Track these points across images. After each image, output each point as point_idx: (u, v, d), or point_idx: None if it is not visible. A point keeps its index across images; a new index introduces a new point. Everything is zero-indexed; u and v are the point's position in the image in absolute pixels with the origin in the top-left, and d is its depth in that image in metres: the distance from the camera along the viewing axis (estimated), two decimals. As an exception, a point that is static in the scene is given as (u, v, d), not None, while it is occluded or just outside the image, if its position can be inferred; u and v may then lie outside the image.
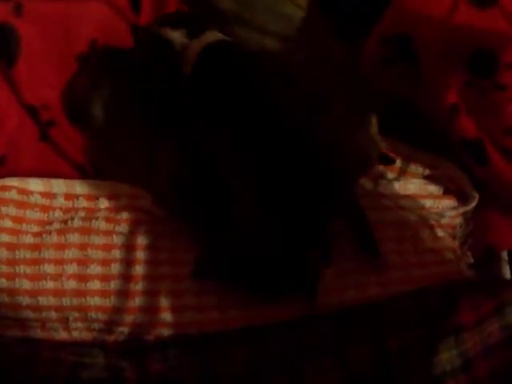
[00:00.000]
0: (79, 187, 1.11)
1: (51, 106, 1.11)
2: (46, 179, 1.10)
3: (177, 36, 1.09)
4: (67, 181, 1.11)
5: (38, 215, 1.08)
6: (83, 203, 1.10)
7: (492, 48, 0.97)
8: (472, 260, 1.10)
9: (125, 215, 1.09)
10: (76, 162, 1.14)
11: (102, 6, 1.12)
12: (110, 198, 1.11)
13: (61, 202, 1.10)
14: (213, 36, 1.09)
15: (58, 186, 1.11)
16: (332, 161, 1.03)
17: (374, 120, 1.07)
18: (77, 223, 1.07)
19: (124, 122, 1.10)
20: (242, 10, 1.10)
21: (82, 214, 1.09)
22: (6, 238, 1.05)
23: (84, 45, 1.11)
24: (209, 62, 1.07)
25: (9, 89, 1.10)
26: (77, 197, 1.11)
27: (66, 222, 1.08)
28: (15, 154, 1.11)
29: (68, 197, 1.10)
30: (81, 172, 1.14)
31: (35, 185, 1.09)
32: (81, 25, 1.11)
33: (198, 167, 1.02)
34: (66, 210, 1.10)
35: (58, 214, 1.09)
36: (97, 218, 1.08)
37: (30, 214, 1.08)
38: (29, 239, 1.06)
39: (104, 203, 1.10)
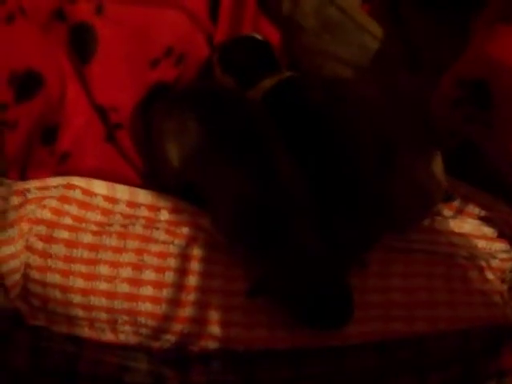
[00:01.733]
0: (143, 196, 1.12)
1: (121, 109, 1.12)
2: (110, 183, 1.11)
3: None
4: (131, 188, 1.12)
5: (98, 217, 1.09)
6: (144, 212, 1.11)
7: None
8: (518, 305, 1.11)
9: (184, 230, 1.10)
10: (139, 166, 1.15)
11: (180, 14, 1.13)
12: (171, 211, 1.11)
13: (122, 208, 1.11)
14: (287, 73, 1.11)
15: (122, 191, 1.12)
16: (394, 199, 1.04)
17: (439, 158, 1.08)
18: (137, 229, 1.08)
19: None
20: (323, 31, 1.11)
21: (143, 221, 1.09)
22: (65, 234, 1.06)
23: (160, 51, 1.12)
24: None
25: (80, 86, 1.11)
26: (139, 205, 1.11)
27: (126, 226, 1.08)
28: (80, 152, 1.12)
29: (130, 204, 1.11)
30: (142, 177, 1.15)
31: (100, 187, 1.11)
32: (158, 30, 1.12)
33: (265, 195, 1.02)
34: (127, 217, 1.10)
35: (118, 218, 1.10)
36: (157, 229, 1.09)
37: (90, 215, 1.09)
38: (87, 238, 1.06)
39: (165, 215, 1.11)
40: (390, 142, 1.06)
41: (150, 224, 1.10)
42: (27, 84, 1.04)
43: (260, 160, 1.01)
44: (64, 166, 1.11)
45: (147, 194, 1.12)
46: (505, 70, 0.99)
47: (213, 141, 1.03)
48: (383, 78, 1.11)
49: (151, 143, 1.11)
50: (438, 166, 1.08)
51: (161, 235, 1.08)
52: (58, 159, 1.11)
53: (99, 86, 1.10)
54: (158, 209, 1.11)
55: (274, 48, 1.15)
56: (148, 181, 1.15)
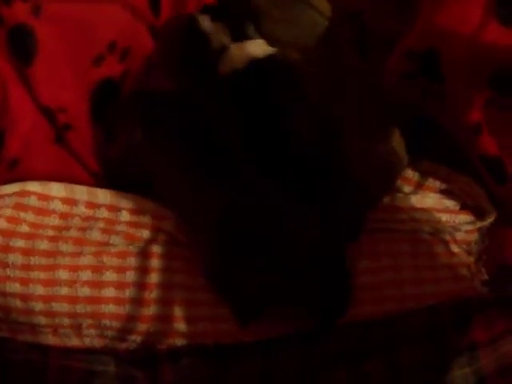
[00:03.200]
0: (102, 196, 1.10)
1: (68, 109, 1.10)
2: (68, 185, 1.09)
3: (215, 30, 1.07)
4: (90, 188, 1.10)
5: (56, 222, 1.07)
6: (104, 213, 1.09)
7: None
8: (486, 277, 1.10)
9: (145, 234, 1.08)
10: (91, 168, 1.13)
11: (120, 8, 1.10)
12: (132, 212, 1.09)
13: (81, 210, 1.08)
14: (259, 48, 1.07)
15: (81, 192, 1.09)
16: (354, 175, 1.02)
17: (397, 133, 1.07)
18: (94, 234, 1.06)
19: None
20: (273, 8, 1.09)
21: (101, 224, 1.08)
22: (21, 242, 1.04)
23: (102, 46, 1.09)
24: (255, 84, 1.04)
25: (24, 89, 1.07)
26: (98, 206, 1.09)
27: (84, 229, 1.06)
28: (29, 157, 1.09)
29: (89, 205, 1.09)
30: (96, 178, 1.13)
31: (57, 190, 1.08)
32: (99, 27, 1.09)
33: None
34: (85, 219, 1.08)
35: (76, 221, 1.08)
36: (117, 234, 1.07)
37: (48, 220, 1.07)
38: (44, 245, 1.04)
39: (125, 217, 1.09)
40: (335, 126, 1.04)
41: (110, 227, 1.08)
42: (-34, 91, 1.02)
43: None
44: (14, 172, 1.09)
45: (106, 193, 1.10)
46: (453, 38, 0.99)
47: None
48: (331, 56, 1.09)
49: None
50: (396, 141, 1.07)
51: (119, 240, 1.07)
52: (7, 166, 1.08)
53: (43, 87, 1.07)
54: (119, 209, 1.09)
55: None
56: (100, 181, 1.13)
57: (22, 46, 1.05)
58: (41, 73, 1.06)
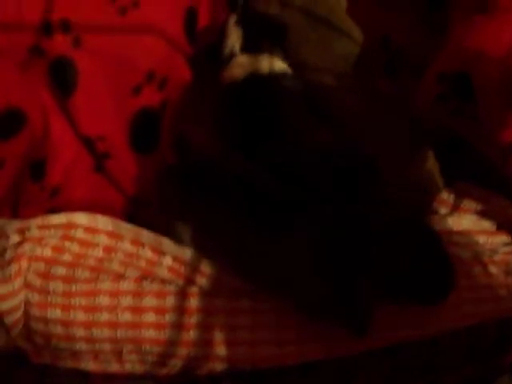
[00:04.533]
0: (146, 237, 1.09)
1: (107, 138, 1.12)
2: (115, 220, 1.10)
3: (232, 33, 1.11)
4: (136, 228, 1.10)
5: (100, 254, 1.08)
6: (147, 253, 1.09)
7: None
8: (526, 297, 1.10)
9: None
10: (129, 195, 1.14)
11: (157, 39, 1.13)
12: (174, 259, 1.09)
13: (126, 246, 1.09)
14: (267, 63, 1.09)
15: (127, 229, 1.10)
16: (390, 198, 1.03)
17: (431, 155, 1.08)
18: (134, 273, 1.07)
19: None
20: (309, 30, 1.12)
21: (143, 264, 1.08)
22: (63, 270, 1.05)
23: (141, 76, 1.12)
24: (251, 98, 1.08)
25: (65, 120, 1.10)
26: (143, 245, 1.09)
27: (126, 265, 1.07)
28: (70, 185, 1.12)
29: (134, 242, 1.09)
30: (134, 204, 1.14)
31: (103, 224, 1.09)
32: (137, 57, 1.12)
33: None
34: (128, 255, 1.09)
35: (119, 255, 1.08)
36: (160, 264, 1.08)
37: (92, 251, 1.08)
38: (85, 274, 1.05)
39: (168, 261, 1.09)
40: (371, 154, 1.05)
41: (151, 268, 1.08)
42: (9, 122, 1.05)
43: None
44: (55, 200, 1.11)
45: (150, 235, 1.10)
46: (484, 60, 0.99)
47: None
48: (364, 83, 1.10)
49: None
50: (431, 163, 1.08)
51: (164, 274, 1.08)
52: (48, 194, 1.11)
53: (84, 117, 1.10)
54: (163, 253, 1.09)
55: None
56: (138, 207, 1.14)
57: (63, 77, 1.08)
58: (81, 103, 1.09)
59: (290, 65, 1.13)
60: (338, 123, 1.08)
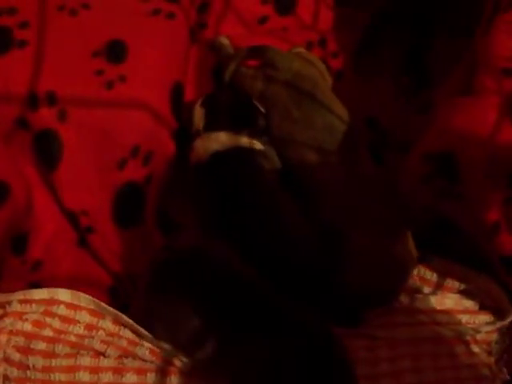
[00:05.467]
0: (126, 320, 1.06)
1: (91, 212, 1.12)
2: (97, 300, 1.07)
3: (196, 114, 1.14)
4: (116, 311, 1.07)
5: (81, 331, 1.06)
6: (128, 334, 1.06)
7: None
8: (508, 377, 1.09)
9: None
10: (112, 269, 1.13)
11: (143, 114, 1.13)
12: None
13: (107, 324, 1.07)
14: (218, 141, 1.10)
15: (108, 312, 1.07)
16: (368, 276, 1.04)
17: (409, 234, 1.08)
18: (114, 353, 1.05)
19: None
20: (293, 107, 1.13)
21: (124, 344, 1.06)
22: (43, 345, 1.03)
23: (126, 151, 1.13)
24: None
25: (48, 193, 1.10)
26: (124, 325, 1.07)
27: (107, 344, 1.05)
28: (52, 259, 1.11)
29: (115, 322, 1.07)
30: (116, 279, 1.13)
31: (86, 302, 1.06)
32: (123, 131, 1.12)
33: None
34: (110, 334, 1.06)
35: (101, 333, 1.06)
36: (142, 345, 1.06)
37: (73, 328, 1.06)
38: (66, 350, 1.04)
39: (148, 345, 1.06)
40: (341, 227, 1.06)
41: (132, 348, 1.06)
42: (-8, 194, 1.05)
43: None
44: (37, 273, 1.10)
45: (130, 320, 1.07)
46: (470, 140, 1.00)
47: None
48: (348, 159, 1.11)
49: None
50: (408, 242, 1.08)
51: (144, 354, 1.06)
52: (30, 268, 1.10)
53: (67, 191, 1.10)
54: (142, 335, 1.06)
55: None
56: (120, 282, 1.13)
57: (48, 151, 1.09)
58: (65, 177, 1.09)
59: (272, 140, 1.14)
60: (313, 201, 1.10)
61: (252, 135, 1.12)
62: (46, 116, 1.08)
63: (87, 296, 1.06)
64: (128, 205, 1.14)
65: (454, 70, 1.09)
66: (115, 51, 1.15)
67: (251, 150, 1.11)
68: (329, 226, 1.06)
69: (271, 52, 1.19)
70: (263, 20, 1.35)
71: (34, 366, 1.02)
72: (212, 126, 1.12)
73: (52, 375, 1.02)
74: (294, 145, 1.12)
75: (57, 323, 1.05)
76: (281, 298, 1.02)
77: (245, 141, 1.11)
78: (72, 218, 1.11)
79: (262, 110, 1.15)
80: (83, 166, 1.10)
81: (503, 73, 0.99)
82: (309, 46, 1.32)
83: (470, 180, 1.03)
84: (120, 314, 1.06)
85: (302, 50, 1.25)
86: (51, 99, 1.08)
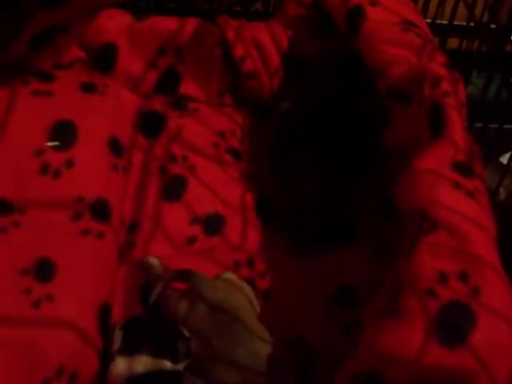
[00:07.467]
0: None
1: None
2: None
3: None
4: None
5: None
6: None
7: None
8: None
9: None
10: None
11: (70, 333, 1.11)
12: None
13: None
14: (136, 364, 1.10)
15: None
16: None
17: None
18: None
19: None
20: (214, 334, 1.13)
21: None
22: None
23: (51, 371, 1.08)
24: None
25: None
26: None
27: None
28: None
29: None
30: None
31: None
32: (48, 351, 1.09)
33: None
34: None
35: None
36: None
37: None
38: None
39: None
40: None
41: None
42: None
43: None
44: None
45: None
46: (395, 361, 1.01)
47: None
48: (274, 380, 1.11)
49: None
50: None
51: None
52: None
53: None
54: None
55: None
56: None
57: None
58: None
59: (194, 363, 1.13)
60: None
61: (174, 359, 1.11)
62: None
63: None
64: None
65: (379, 291, 1.12)
66: (43, 270, 1.15)
67: (173, 373, 1.10)
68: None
69: (197, 278, 1.21)
70: (191, 240, 1.39)
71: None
72: (131, 349, 1.11)
73: None
74: (217, 370, 1.12)
75: None
76: None
77: (166, 364, 1.10)
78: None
79: (186, 334, 1.15)
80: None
81: (427, 293, 1.02)
82: (236, 265, 1.35)
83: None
84: None
85: (230, 275, 1.27)
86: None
